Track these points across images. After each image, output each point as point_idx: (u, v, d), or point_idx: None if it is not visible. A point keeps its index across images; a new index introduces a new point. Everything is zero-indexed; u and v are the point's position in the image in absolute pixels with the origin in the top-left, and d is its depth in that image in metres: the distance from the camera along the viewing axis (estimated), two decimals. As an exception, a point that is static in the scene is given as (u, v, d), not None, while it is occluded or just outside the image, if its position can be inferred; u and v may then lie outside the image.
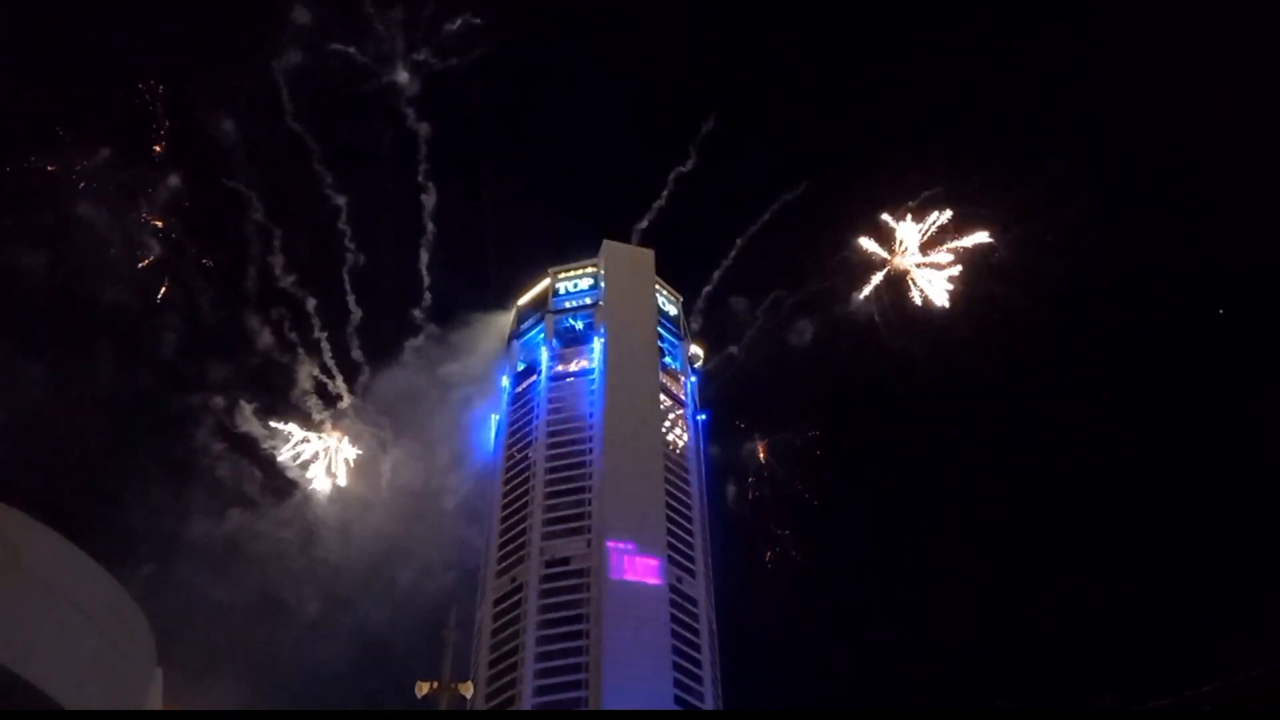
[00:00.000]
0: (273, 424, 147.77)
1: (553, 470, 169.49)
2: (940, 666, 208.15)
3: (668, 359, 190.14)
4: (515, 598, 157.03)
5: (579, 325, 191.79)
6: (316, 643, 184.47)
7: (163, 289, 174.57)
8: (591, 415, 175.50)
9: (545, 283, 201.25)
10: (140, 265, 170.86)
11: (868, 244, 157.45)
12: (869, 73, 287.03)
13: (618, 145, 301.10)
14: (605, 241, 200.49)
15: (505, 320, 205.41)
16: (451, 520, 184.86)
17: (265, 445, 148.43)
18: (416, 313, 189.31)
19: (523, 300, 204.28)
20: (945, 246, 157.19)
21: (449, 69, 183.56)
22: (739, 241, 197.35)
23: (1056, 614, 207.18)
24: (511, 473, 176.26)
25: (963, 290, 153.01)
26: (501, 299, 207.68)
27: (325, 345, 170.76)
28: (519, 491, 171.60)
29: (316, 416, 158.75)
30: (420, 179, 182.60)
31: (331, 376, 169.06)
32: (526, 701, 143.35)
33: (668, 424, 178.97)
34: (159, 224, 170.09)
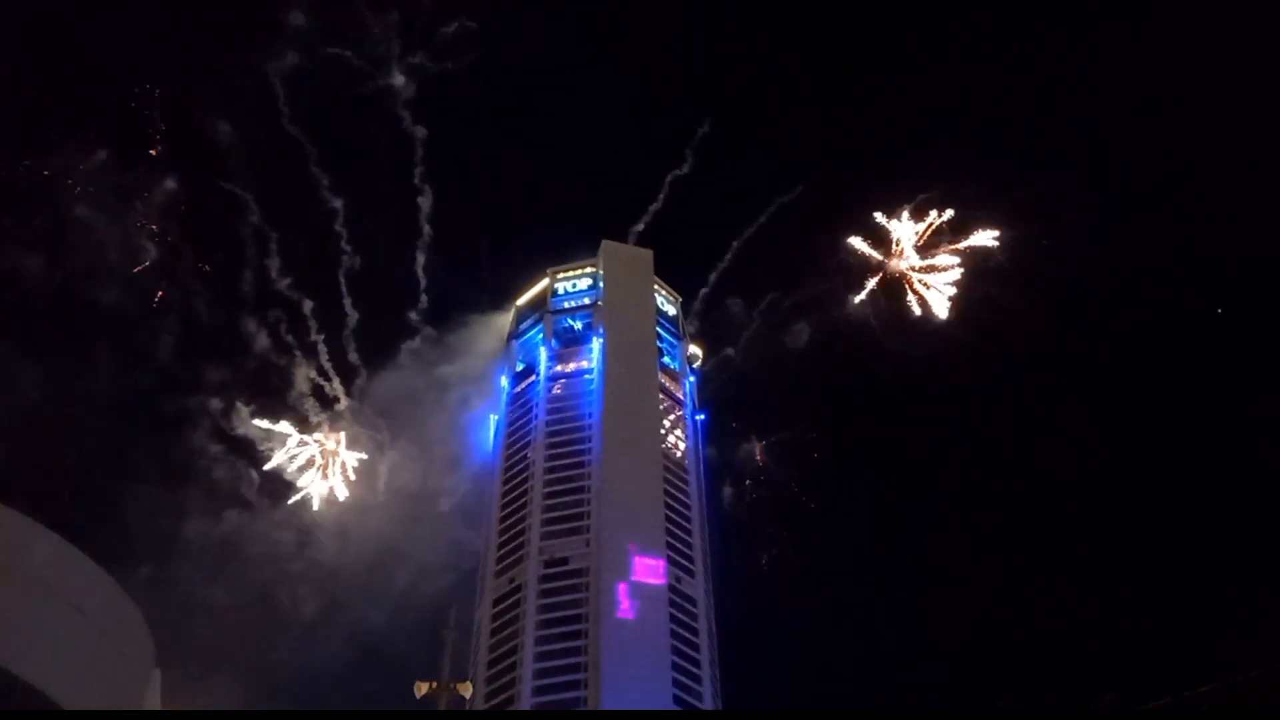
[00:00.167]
0: (269, 426, 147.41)
1: (552, 470, 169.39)
2: (940, 666, 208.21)
3: (666, 359, 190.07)
4: (514, 598, 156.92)
5: (578, 325, 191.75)
6: (314, 644, 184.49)
7: (159, 291, 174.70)
8: (590, 415, 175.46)
9: (544, 283, 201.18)
10: (137, 268, 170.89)
11: (865, 247, 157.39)
12: (867, 76, 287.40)
13: (615, 148, 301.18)
14: (604, 241, 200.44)
15: (503, 321, 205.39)
16: (449, 522, 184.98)
17: (262, 447, 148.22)
18: (413, 315, 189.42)
19: (521, 300, 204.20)
20: (943, 249, 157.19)
21: (445, 72, 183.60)
22: (735, 244, 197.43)
23: (1056, 614, 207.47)
24: (510, 473, 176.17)
25: (961, 293, 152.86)
26: (499, 300, 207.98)
27: (322, 348, 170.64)
28: (518, 492, 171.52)
29: (314, 419, 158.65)
30: (416, 181, 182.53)
31: (328, 379, 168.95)
32: (525, 701, 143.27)
33: (666, 424, 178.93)
34: (156, 226, 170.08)
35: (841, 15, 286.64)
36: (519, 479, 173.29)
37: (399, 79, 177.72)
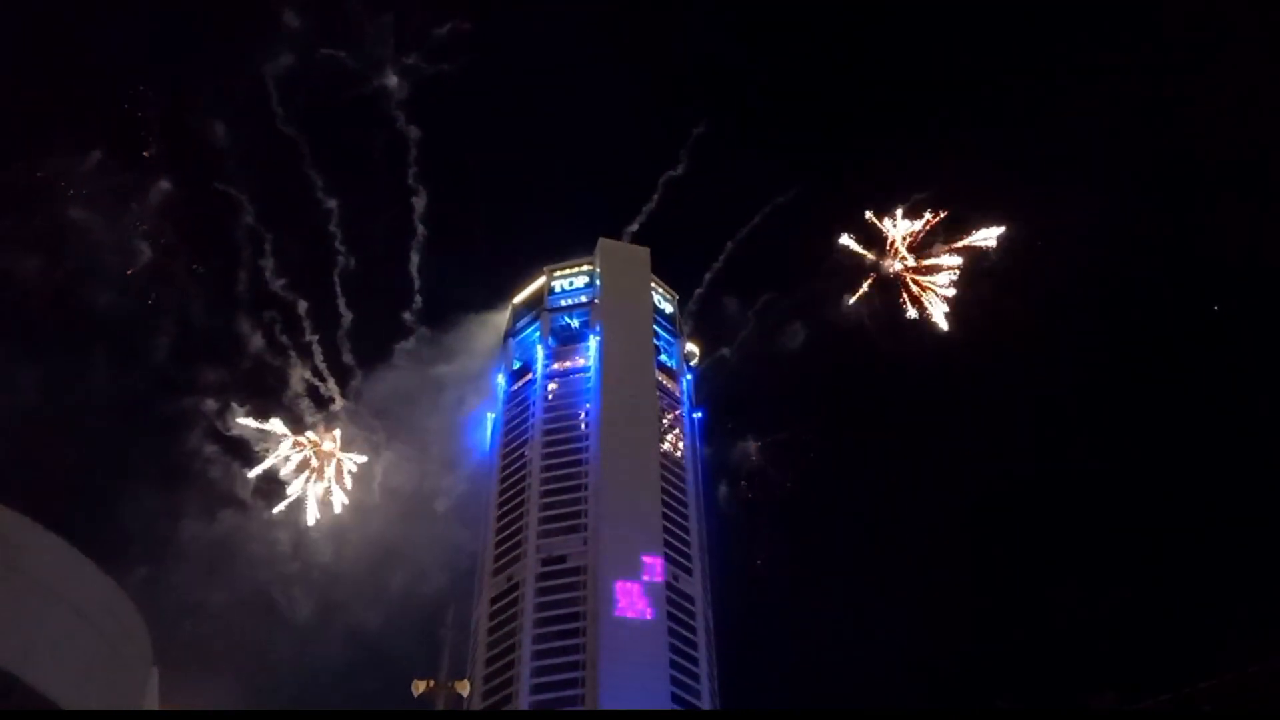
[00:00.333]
0: (263, 427, 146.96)
1: (549, 468, 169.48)
2: (940, 666, 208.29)
3: (664, 356, 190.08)
4: (511, 596, 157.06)
5: (575, 323, 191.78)
6: (312, 644, 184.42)
7: (154, 294, 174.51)
8: (587, 413, 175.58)
9: (540, 281, 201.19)
10: (132, 270, 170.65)
11: (860, 247, 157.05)
12: (863, 76, 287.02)
13: (610, 148, 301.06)
14: (601, 240, 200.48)
15: (499, 320, 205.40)
16: (446, 522, 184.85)
17: (258, 448, 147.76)
18: (408, 315, 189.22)
19: (518, 299, 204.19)
20: (939, 249, 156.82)
21: (439, 73, 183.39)
22: (730, 244, 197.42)
23: (1056, 614, 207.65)
24: (508, 471, 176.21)
25: (957, 293, 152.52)
26: (495, 299, 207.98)
27: (317, 348, 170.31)
28: (515, 490, 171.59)
29: (309, 419, 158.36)
30: (411, 182, 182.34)
31: (323, 380, 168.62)
32: (523, 700, 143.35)
33: (664, 422, 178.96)
34: (151, 228, 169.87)
35: (838, 15, 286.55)
36: (516, 477, 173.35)
37: (393, 80, 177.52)
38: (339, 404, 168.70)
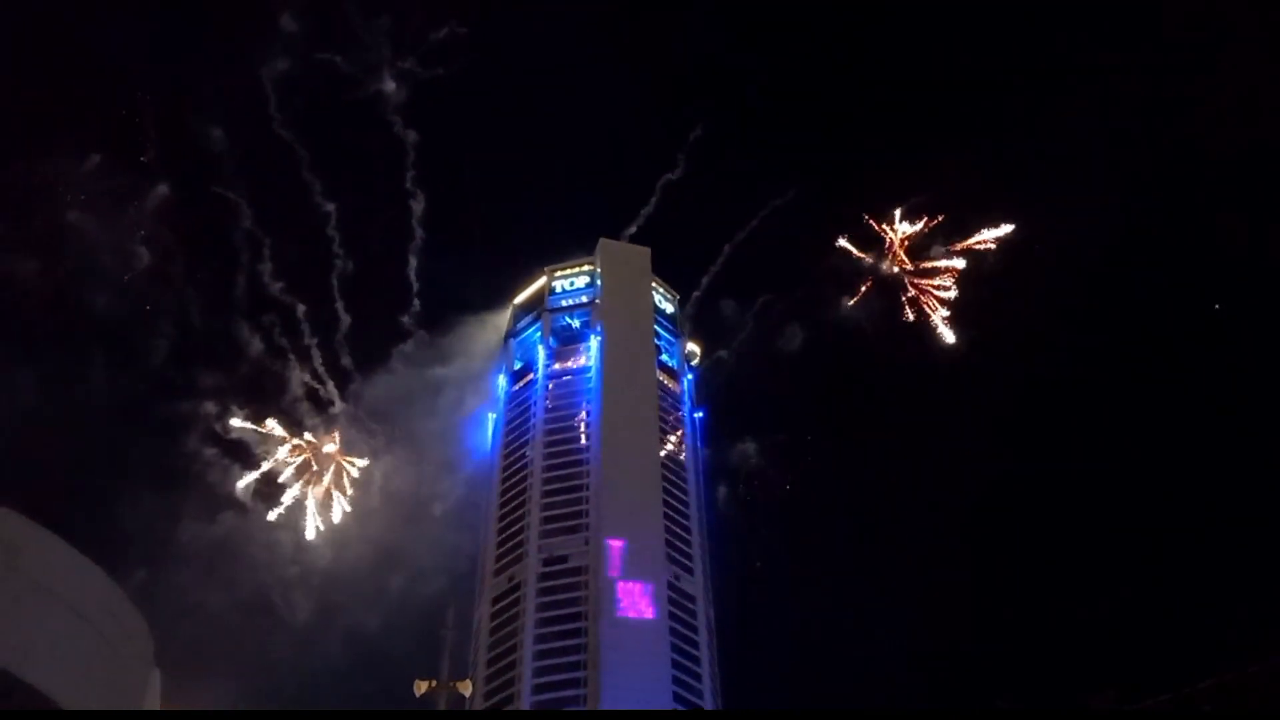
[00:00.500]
0: (261, 430, 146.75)
1: (550, 469, 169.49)
2: (940, 666, 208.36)
3: (665, 356, 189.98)
4: (513, 596, 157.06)
5: (575, 324, 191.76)
6: (312, 646, 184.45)
7: (151, 298, 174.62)
8: (589, 413, 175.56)
9: (541, 281, 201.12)
10: (130, 273, 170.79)
11: (860, 249, 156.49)
12: (862, 78, 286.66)
13: (609, 150, 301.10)
14: (601, 240, 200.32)
15: (499, 321, 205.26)
16: (446, 524, 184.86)
17: (258, 451, 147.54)
18: (406, 318, 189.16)
19: (519, 299, 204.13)
20: (938, 252, 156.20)
21: (436, 77, 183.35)
22: (727, 247, 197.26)
23: (1056, 614, 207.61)
24: (509, 471, 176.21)
25: (957, 296, 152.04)
26: (495, 301, 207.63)
27: (316, 352, 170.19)
28: (516, 490, 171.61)
29: (308, 422, 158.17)
30: (409, 185, 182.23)
31: (322, 383, 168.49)
32: (525, 700, 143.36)
33: (665, 421, 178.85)
34: (149, 231, 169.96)
35: (837, 16, 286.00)
36: (517, 477, 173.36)
37: (390, 84, 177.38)
38: (338, 407, 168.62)
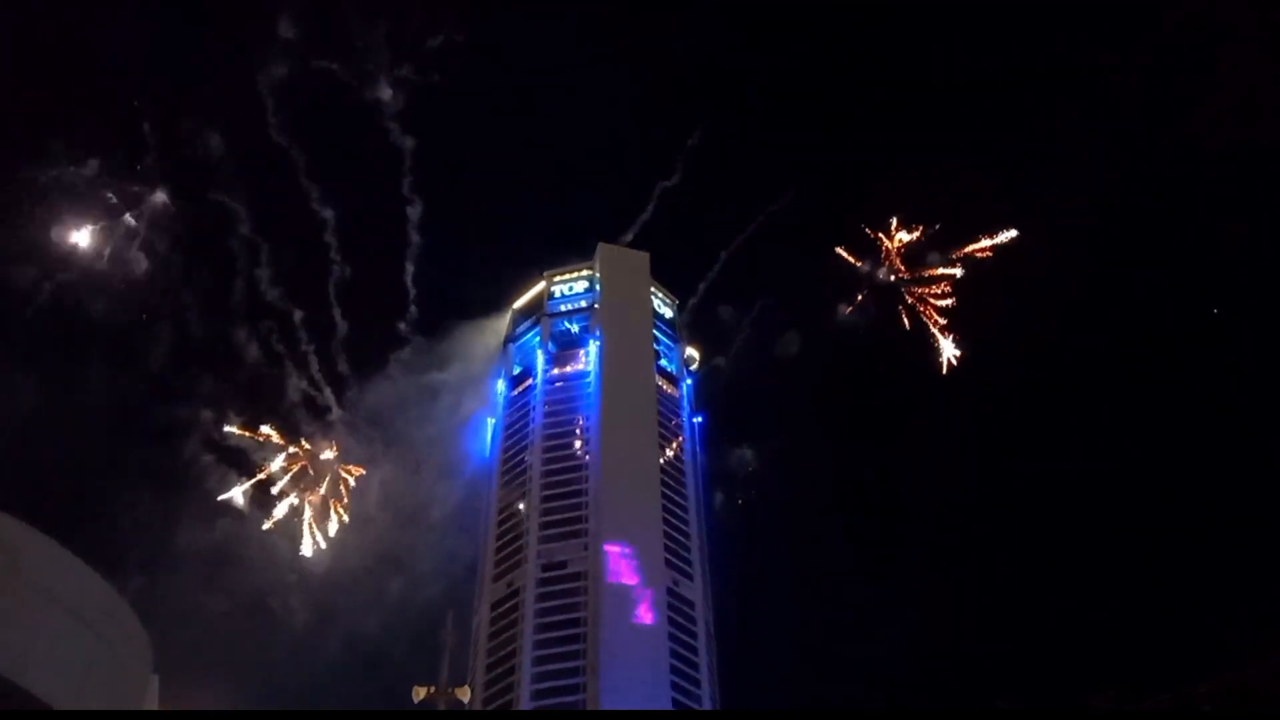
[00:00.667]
0: (258, 436, 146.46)
1: (549, 474, 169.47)
2: (940, 667, 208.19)
3: (664, 361, 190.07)
4: (512, 602, 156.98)
5: (574, 328, 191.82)
6: (309, 652, 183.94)
7: (151, 302, 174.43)
8: (588, 418, 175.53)
9: (540, 286, 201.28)
10: (128, 279, 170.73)
11: (856, 258, 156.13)
12: (861, 83, 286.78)
13: (606, 155, 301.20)
14: (600, 244, 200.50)
15: (498, 327, 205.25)
16: (444, 529, 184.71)
17: (254, 457, 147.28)
18: (403, 325, 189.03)
19: (518, 304, 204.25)
20: (936, 258, 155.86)
21: (434, 83, 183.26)
22: (723, 254, 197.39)
23: (1056, 614, 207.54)
24: (508, 476, 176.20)
25: (955, 300, 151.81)
26: (493, 306, 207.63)
27: (313, 358, 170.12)
28: (515, 495, 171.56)
29: (306, 428, 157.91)
30: (406, 191, 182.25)
31: (320, 389, 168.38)
32: (524, 705, 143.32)
33: (664, 426, 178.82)
34: (146, 237, 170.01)
35: (834, 21, 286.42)
36: (516, 482, 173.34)
37: (388, 91, 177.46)
38: (335, 413, 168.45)
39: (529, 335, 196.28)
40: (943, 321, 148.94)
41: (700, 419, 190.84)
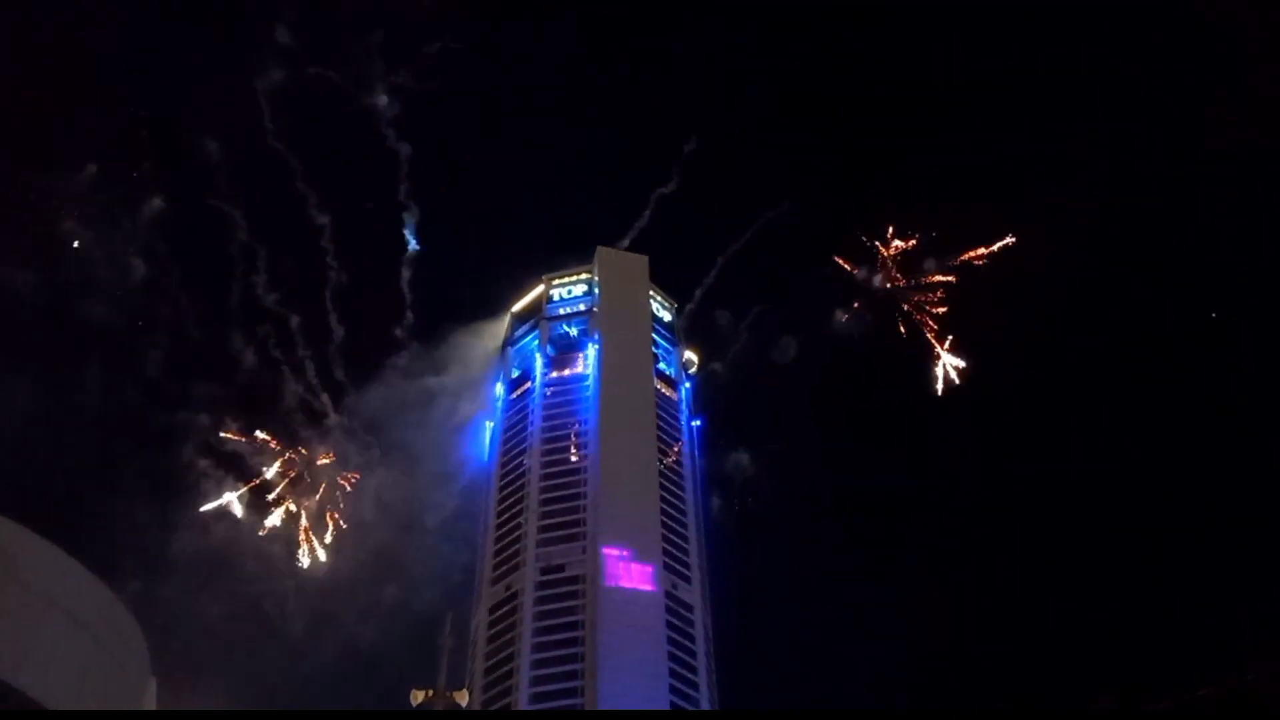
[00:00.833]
0: (253, 442, 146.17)
1: (548, 477, 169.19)
2: (940, 669, 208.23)
3: (662, 364, 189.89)
4: (510, 605, 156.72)
5: (573, 332, 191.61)
6: (306, 657, 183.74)
7: (148, 307, 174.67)
8: (586, 421, 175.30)
9: (539, 289, 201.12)
10: (126, 285, 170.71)
11: (852, 265, 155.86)
12: (859, 87, 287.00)
13: (603, 160, 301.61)
14: (599, 248, 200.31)
15: (496, 330, 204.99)
16: (442, 533, 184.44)
17: (251, 463, 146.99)
18: (400, 330, 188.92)
19: (517, 308, 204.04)
20: (933, 264, 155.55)
21: (430, 89, 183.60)
22: (720, 259, 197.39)
23: (1057, 616, 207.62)
24: (506, 479, 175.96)
25: (953, 303, 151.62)
26: (491, 311, 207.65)
27: (310, 364, 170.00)
28: (514, 498, 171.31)
29: (303, 434, 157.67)
30: (402, 197, 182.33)
31: (316, 395, 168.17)
32: (523, 708, 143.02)
33: (663, 430, 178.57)
34: (144, 243, 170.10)
35: (830, 29, 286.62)
36: (515, 485, 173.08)
37: (383, 98, 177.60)
38: (332, 419, 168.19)
39: (528, 339, 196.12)
40: (938, 329, 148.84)
41: (699, 422, 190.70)
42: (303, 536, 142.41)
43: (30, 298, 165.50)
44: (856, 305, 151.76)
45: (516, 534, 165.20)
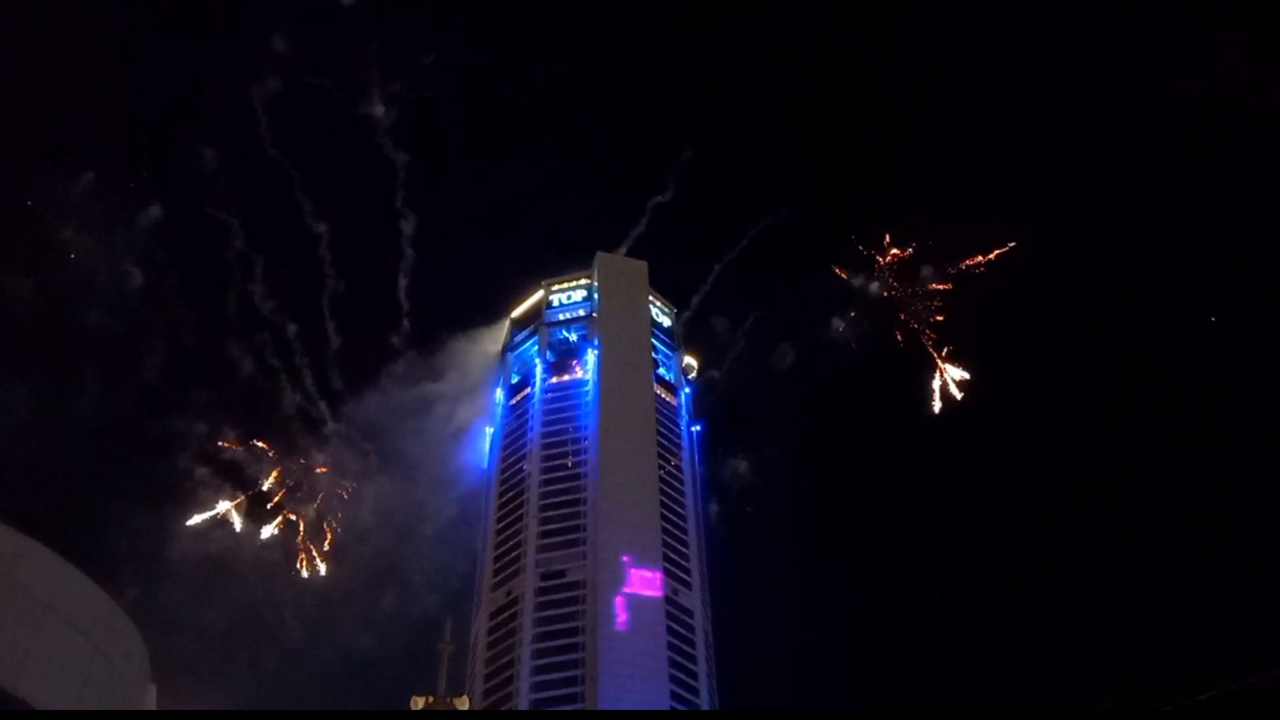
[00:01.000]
0: (254, 451, 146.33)
1: (547, 483, 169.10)
2: (940, 667, 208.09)
3: (662, 370, 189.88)
4: (510, 611, 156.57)
5: (573, 337, 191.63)
6: (305, 662, 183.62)
7: (145, 315, 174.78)
8: (586, 427, 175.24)
9: (538, 295, 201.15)
10: (123, 292, 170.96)
11: (850, 273, 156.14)
12: (859, 93, 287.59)
13: (601, 167, 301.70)
14: (599, 253, 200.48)
15: (495, 336, 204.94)
16: (441, 540, 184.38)
17: (249, 470, 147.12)
18: (396, 338, 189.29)
19: (516, 313, 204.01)
20: (930, 269, 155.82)
21: (427, 98, 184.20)
22: (718, 266, 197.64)
23: (1057, 615, 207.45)
24: (506, 485, 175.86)
25: (951, 307, 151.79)
26: (489, 317, 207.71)
27: (307, 371, 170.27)
28: (514, 504, 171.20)
29: (301, 442, 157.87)
30: (399, 205, 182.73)
31: (314, 402, 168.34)
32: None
33: (663, 435, 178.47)
34: (142, 251, 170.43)
35: (826, 37, 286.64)
36: (515, 491, 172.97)
37: (380, 107, 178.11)
38: (330, 427, 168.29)
39: (527, 344, 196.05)
40: (935, 337, 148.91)
41: (698, 427, 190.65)
42: (300, 547, 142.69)
43: (28, 305, 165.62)
44: (854, 313, 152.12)
45: (516, 539, 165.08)
